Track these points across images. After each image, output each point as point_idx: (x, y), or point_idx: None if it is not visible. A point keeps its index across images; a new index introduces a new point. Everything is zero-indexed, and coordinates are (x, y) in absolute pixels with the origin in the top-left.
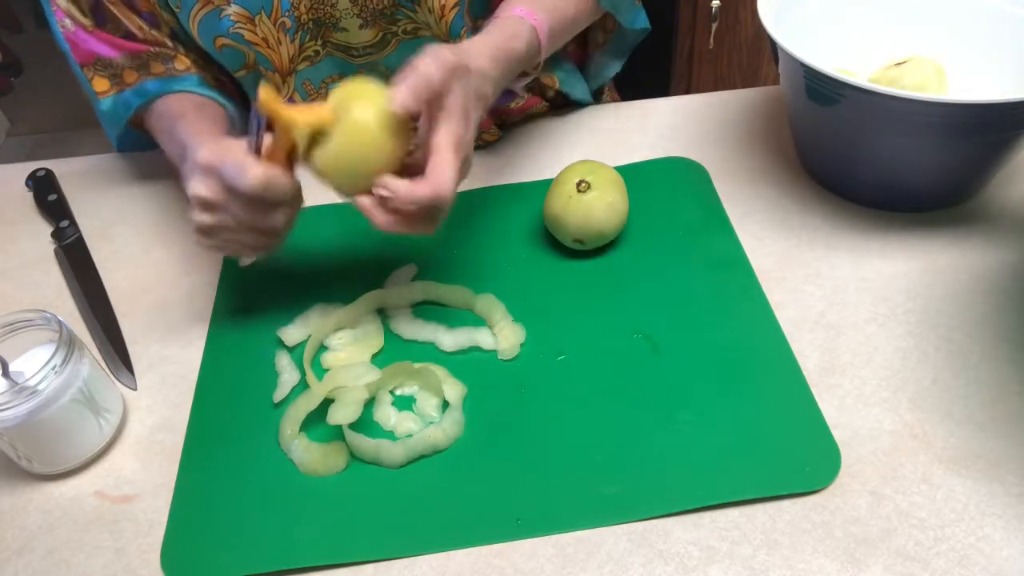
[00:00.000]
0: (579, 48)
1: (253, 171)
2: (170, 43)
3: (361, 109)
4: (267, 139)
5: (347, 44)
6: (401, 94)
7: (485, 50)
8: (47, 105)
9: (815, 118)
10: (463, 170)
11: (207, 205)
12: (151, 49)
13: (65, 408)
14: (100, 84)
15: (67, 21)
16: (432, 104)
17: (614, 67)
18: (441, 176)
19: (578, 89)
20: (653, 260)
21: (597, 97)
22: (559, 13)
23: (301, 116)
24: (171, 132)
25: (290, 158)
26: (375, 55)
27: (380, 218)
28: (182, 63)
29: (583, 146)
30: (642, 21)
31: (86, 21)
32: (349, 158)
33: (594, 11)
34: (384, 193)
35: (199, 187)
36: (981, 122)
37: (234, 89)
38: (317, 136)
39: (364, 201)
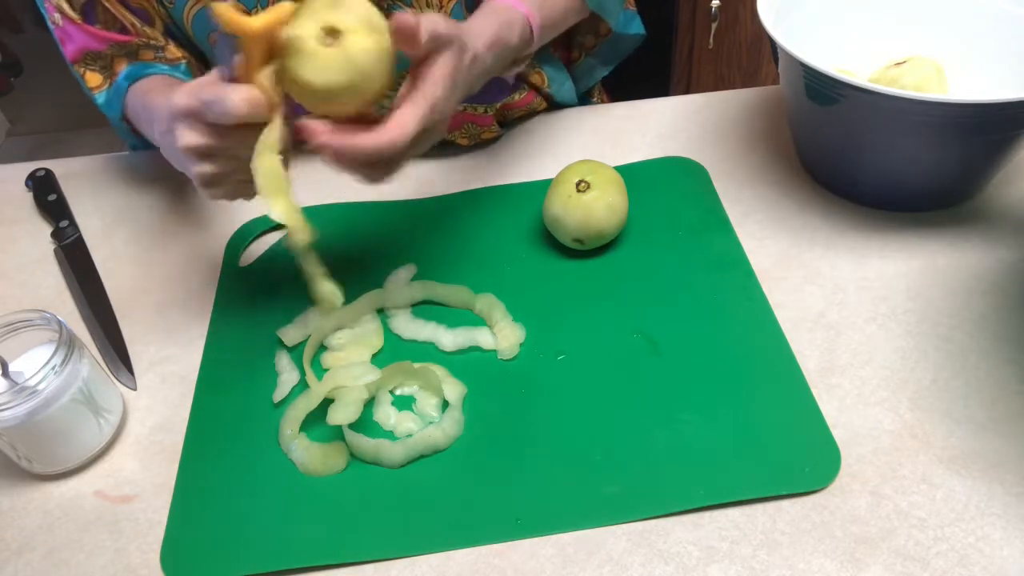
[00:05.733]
0: (567, 51)
1: (234, 96)
2: (163, 39)
3: (343, 14)
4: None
5: None
6: (406, 17)
7: (483, 34)
8: (47, 105)
9: (815, 118)
10: (426, 137)
11: (202, 153)
12: (139, 40)
13: (65, 408)
14: (93, 79)
15: (56, 16)
16: (425, 57)
17: (601, 72)
18: (400, 126)
19: (564, 89)
20: (653, 260)
21: (586, 99)
22: (549, 5)
23: (257, 20)
24: (145, 107)
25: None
26: None
27: (327, 151)
28: (172, 53)
29: (583, 146)
30: (636, 27)
31: (74, 15)
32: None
33: (581, 9)
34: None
35: (187, 137)
36: (981, 122)
37: None
38: (287, 47)
39: (313, 126)
